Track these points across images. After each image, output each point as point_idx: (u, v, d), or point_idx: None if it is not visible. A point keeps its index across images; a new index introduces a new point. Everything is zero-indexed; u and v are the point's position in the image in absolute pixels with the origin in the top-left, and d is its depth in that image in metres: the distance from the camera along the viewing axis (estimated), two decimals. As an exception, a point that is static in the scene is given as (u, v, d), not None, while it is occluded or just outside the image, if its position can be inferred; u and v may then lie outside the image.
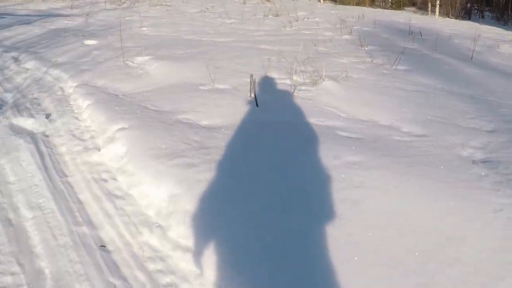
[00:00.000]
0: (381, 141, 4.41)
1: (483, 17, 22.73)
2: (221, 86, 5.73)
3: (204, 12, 15.34)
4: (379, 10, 21.39)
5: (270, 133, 4.28)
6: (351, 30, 11.45)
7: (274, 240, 2.82)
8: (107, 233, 3.20)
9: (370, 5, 24.69)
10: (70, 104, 5.36)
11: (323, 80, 6.20)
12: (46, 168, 4.04)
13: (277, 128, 4.40)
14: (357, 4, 24.44)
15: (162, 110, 4.78)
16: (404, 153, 4.07)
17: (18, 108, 5.46)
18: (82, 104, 5.19)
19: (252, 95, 5.38)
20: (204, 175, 3.47)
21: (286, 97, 5.52)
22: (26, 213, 3.45)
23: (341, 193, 3.36)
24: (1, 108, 5.57)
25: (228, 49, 8.21)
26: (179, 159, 3.68)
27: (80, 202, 3.55)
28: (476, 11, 24.78)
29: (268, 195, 3.26)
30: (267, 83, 6.02)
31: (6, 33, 10.60)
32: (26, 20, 12.51)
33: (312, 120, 4.80)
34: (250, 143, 4.05)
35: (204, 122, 4.51)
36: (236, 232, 2.91)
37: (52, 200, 3.56)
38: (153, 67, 6.51)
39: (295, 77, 6.18)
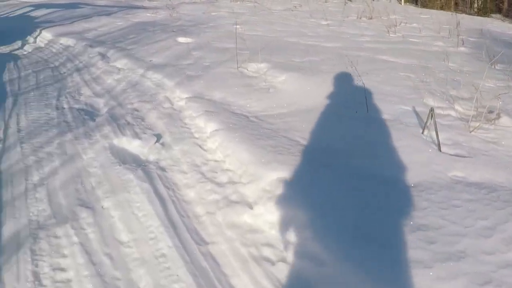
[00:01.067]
0: None
1: None
2: (377, 115, 4.39)
3: (292, 10, 14.19)
4: (465, 16, 19.72)
5: (486, 204, 2.91)
6: (462, 40, 9.93)
7: None
8: None
9: (454, 10, 22.90)
10: (185, 124, 4.19)
11: (499, 116, 4.75)
12: (173, 226, 2.85)
13: (485, 196, 3.03)
14: (440, 8, 22.67)
15: (322, 147, 3.54)
16: None
17: (117, 122, 4.33)
18: (205, 127, 4.01)
19: (426, 132, 4.06)
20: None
21: (465, 138, 4.13)
22: (157, 307, 2.23)
23: None
24: (94, 120, 4.45)
25: (349, 59, 6.87)
26: (398, 245, 2.37)
27: (239, 296, 2.31)
28: None
29: None
30: (428, 114, 4.66)
31: (85, 24, 9.77)
32: (105, 11, 11.77)
33: (526, 181, 3.39)
34: (473, 226, 2.71)
35: (387, 174, 3.19)
36: None
37: (195, 288, 2.33)
38: (280, 80, 5.27)
39: (457, 107, 4.80)
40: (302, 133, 3.81)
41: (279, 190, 2.93)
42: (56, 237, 2.85)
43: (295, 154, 3.36)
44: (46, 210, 3.13)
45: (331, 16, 13.02)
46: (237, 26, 9.77)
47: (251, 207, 2.94)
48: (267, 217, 2.82)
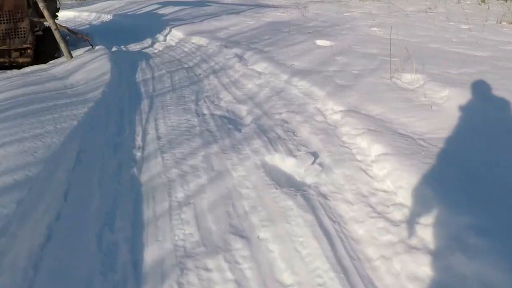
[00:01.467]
0: None
1: None
2: None
3: (426, 12, 13.42)
4: None
5: None
6: None
7: None
8: None
9: None
10: (344, 143, 3.84)
11: None
12: (345, 271, 2.49)
13: None
14: None
15: (508, 185, 2.96)
16: None
17: (266, 135, 4.09)
18: (368, 148, 3.64)
19: None
20: None
21: None
22: None
23: None
24: (240, 131, 4.25)
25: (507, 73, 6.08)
26: None
27: None
28: None
29: None
30: None
31: (215, 23, 9.83)
32: (234, 9, 11.88)
33: None
34: None
35: None
36: None
37: None
38: (442, 95, 4.74)
39: None
40: (483, 164, 3.26)
41: (472, 240, 2.46)
42: (207, 269, 2.63)
43: (483, 192, 2.86)
44: (193, 235, 2.94)
45: (469, 19, 12.17)
46: (375, 29, 9.34)
47: (435, 257, 2.50)
48: (457, 271, 2.36)
